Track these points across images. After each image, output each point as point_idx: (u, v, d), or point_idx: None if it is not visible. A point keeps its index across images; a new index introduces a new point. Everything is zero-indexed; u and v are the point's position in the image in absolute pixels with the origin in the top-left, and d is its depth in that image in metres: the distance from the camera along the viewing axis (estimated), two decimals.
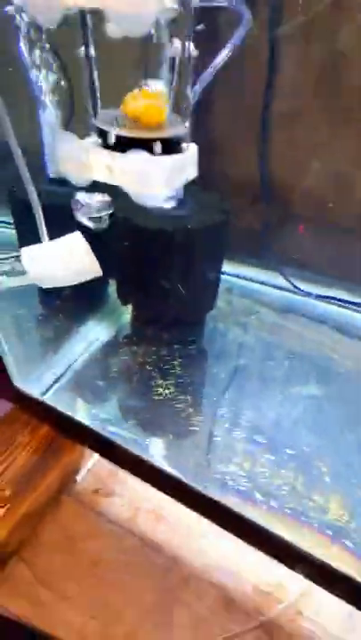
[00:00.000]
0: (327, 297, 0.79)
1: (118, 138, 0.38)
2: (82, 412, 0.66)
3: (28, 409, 0.70)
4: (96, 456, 0.77)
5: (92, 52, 0.40)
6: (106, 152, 0.39)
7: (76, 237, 0.54)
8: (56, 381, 0.69)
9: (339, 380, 0.70)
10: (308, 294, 0.80)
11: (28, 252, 0.57)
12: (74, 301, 0.79)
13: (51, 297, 0.80)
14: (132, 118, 0.39)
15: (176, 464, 0.58)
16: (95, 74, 0.42)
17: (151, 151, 0.37)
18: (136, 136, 0.37)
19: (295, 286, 0.81)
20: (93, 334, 0.77)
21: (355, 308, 0.78)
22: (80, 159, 0.40)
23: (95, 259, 0.54)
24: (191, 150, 0.39)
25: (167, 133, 0.38)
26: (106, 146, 0.39)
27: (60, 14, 0.34)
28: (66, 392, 0.68)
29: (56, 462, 0.73)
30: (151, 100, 0.39)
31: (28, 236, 0.67)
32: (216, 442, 0.61)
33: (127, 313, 0.80)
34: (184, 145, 0.39)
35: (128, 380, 0.71)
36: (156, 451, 0.60)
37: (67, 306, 0.80)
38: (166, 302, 0.72)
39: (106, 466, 0.76)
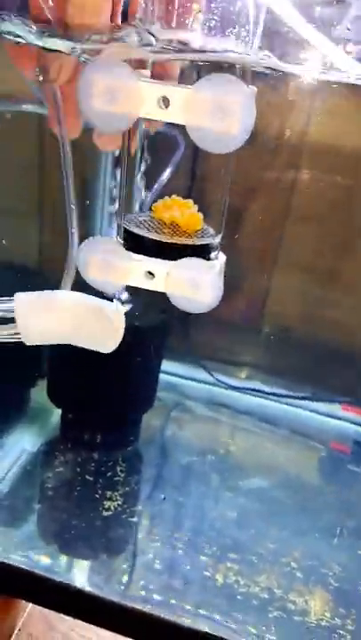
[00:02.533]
0: (248, 389, 0.83)
1: (158, 244, 0.37)
2: (14, 551, 0.53)
3: None
4: (29, 609, 0.61)
5: None
6: (145, 258, 0.37)
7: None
8: None
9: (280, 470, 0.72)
10: (232, 387, 0.83)
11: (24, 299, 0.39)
12: None
13: None
14: (168, 225, 0.38)
15: (136, 594, 0.51)
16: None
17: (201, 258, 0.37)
18: (189, 243, 0.37)
19: (218, 380, 0.84)
20: (19, 446, 0.67)
21: (274, 398, 0.83)
22: (114, 264, 0.37)
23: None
24: (222, 257, 0.40)
25: (208, 240, 0.38)
26: (138, 251, 0.37)
27: None
28: None
29: None
30: (190, 208, 0.39)
31: None
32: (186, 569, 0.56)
33: (55, 415, 0.71)
34: (213, 253, 0.39)
35: (68, 498, 0.62)
36: (112, 583, 0.51)
37: None
38: (107, 402, 0.67)
39: (44, 619, 0.59)
